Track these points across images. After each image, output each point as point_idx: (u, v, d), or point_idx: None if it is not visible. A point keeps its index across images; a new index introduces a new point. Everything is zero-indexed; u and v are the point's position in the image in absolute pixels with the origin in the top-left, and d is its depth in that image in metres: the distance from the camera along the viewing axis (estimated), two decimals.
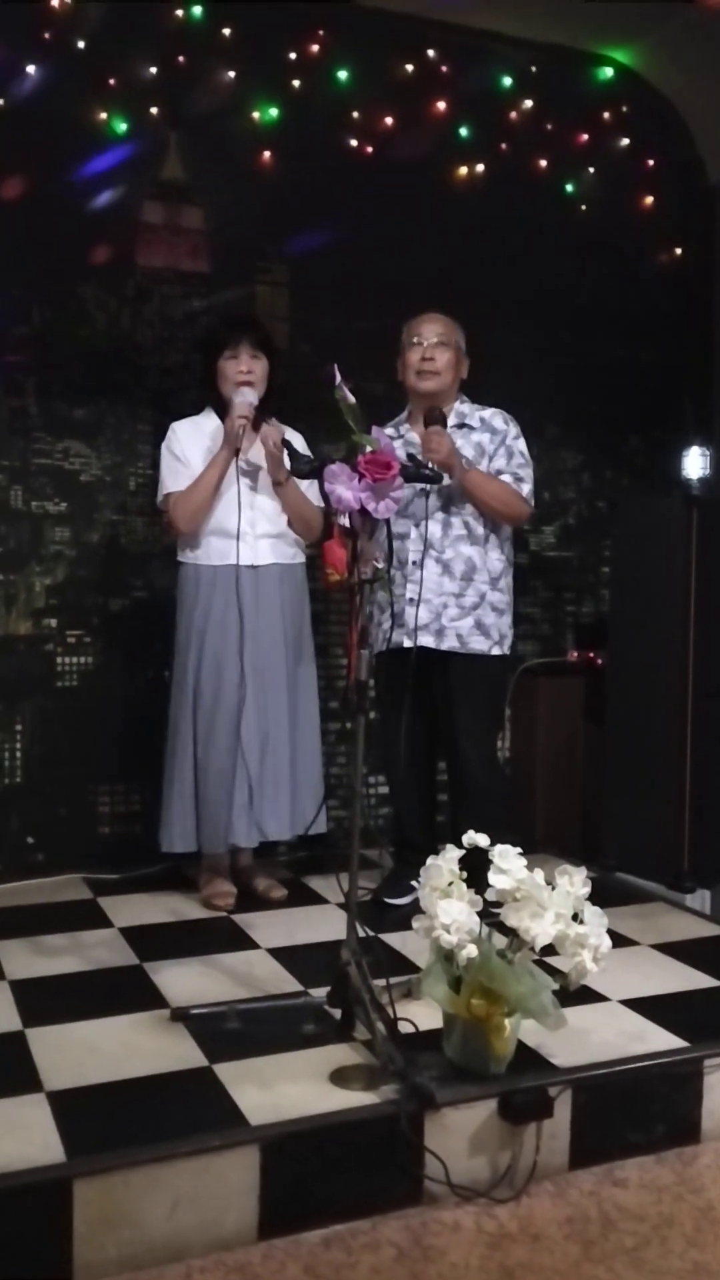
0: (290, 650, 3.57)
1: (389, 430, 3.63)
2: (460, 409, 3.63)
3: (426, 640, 3.51)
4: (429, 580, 3.51)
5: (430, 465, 3.31)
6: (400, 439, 3.60)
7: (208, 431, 3.56)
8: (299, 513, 3.53)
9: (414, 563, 3.53)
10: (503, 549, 3.63)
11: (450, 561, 3.52)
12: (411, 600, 3.50)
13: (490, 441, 3.58)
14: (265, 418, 3.47)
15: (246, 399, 3.45)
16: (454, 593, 3.52)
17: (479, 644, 3.56)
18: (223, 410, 3.53)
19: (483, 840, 2.45)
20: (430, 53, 4.37)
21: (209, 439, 3.54)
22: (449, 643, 3.52)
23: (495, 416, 3.62)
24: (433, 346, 3.54)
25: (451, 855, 2.50)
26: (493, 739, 3.81)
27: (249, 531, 3.48)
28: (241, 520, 3.45)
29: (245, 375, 3.49)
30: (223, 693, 3.48)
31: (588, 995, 2.81)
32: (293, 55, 4.17)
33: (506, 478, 3.58)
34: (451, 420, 3.56)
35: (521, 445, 3.62)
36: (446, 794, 3.84)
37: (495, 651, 3.60)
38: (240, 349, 3.51)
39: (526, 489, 3.61)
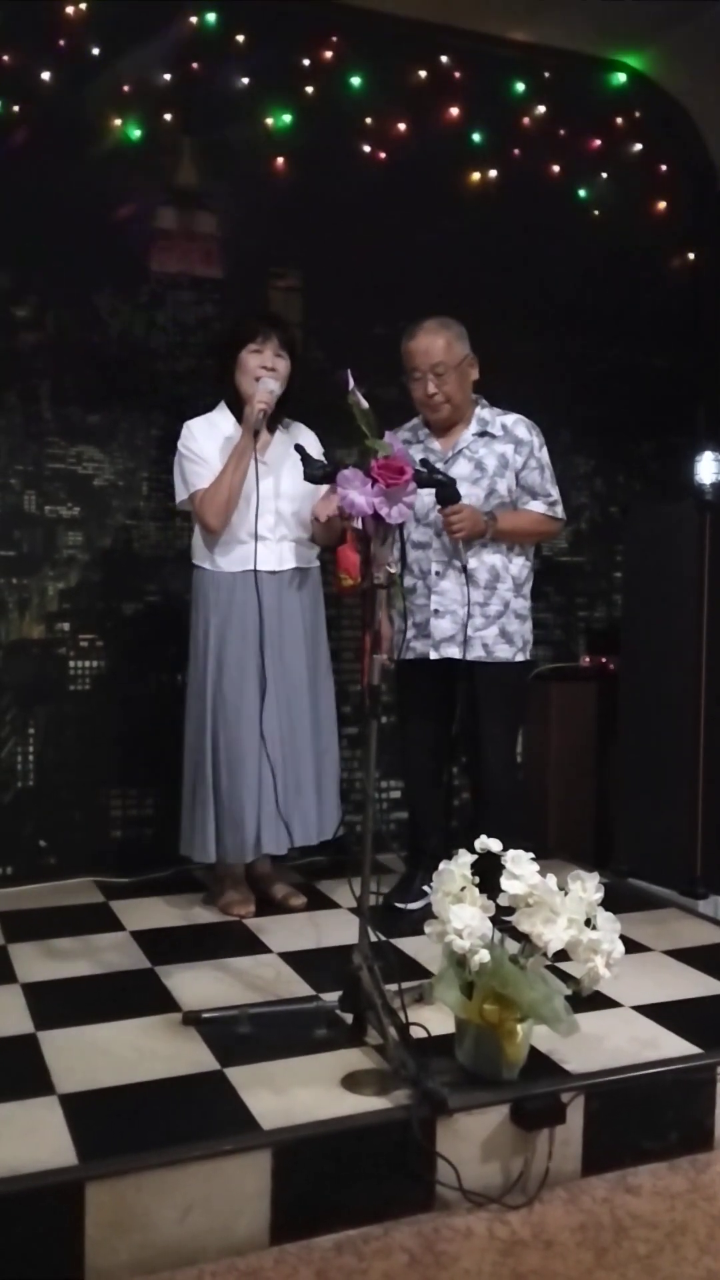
0: (309, 654, 3.55)
1: (405, 434, 3.62)
2: (481, 415, 3.56)
3: (452, 651, 3.49)
4: (453, 591, 3.49)
5: (443, 472, 3.30)
6: (420, 444, 3.58)
7: (223, 429, 3.52)
8: (331, 537, 3.52)
9: (436, 573, 3.50)
10: (525, 554, 3.62)
11: (474, 570, 3.49)
12: (436, 611, 3.49)
13: (515, 453, 3.51)
14: (280, 422, 3.45)
15: (268, 387, 3.41)
16: (479, 602, 3.49)
17: (504, 652, 3.54)
18: (238, 407, 3.50)
19: (495, 845, 2.45)
20: (443, 58, 4.38)
21: (225, 437, 3.50)
22: (475, 652, 3.49)
23: (518, 425, 3.55)
24: (430, 380, 3.44)
25: (464, 860, 2.50)
26: (514, 745, 3.80)
27: (269, 536, 3.46)
28: (260, 524, 3.42)
29: (269, 369, 3.45)
30: (246, 701, 3.44)
31: (600, 1001, 2.80)
32: (306, 61, 4.17)
33: (539, 503, 3.57)
34: (473, 428, 3.53)
35: (546, 456, 3.58)
36: (457, 800, 3.85)
37: (519, 658, 3.60)
38: (267, 344, 3.46)
39: (559, 508, 3.61)
